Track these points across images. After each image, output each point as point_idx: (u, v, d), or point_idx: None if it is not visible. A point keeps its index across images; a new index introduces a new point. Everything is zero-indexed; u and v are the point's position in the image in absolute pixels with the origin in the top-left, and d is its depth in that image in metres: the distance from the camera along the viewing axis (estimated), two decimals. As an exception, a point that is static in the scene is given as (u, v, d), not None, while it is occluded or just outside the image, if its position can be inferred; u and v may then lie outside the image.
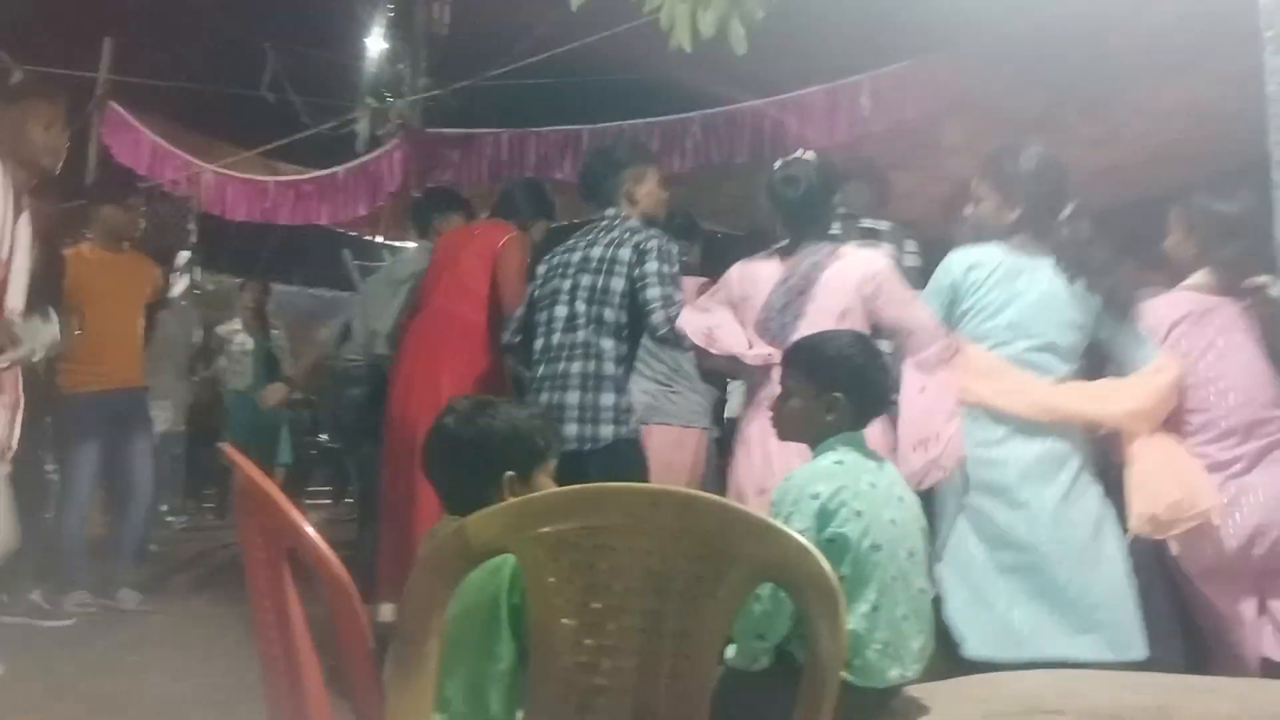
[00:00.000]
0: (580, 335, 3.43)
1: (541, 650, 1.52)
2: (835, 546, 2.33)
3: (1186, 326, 3.22)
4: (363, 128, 7.26)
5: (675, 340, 3.34)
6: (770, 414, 2.68)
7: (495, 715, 1.81)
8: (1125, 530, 3.10)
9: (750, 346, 3.25)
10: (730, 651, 2.31)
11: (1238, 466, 3.11)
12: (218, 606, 5.17)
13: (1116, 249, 3.33)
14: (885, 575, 2.38)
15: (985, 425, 3.18)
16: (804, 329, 3.06)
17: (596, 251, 3.52)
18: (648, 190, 3.70)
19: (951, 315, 3.29)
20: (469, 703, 1.80)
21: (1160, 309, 3.28)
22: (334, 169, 6.67)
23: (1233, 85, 3.80)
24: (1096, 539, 3.10)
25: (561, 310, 3.50)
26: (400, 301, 4.81)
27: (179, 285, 8.80)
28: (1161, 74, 4.10)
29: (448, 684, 1.75)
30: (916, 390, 3.14)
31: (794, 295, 3.21)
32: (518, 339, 3.75)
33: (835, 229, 3.88)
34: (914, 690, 2.40)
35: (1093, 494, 3.17)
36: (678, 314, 3.33)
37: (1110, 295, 3.21)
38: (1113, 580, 3.05)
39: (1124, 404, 3.13)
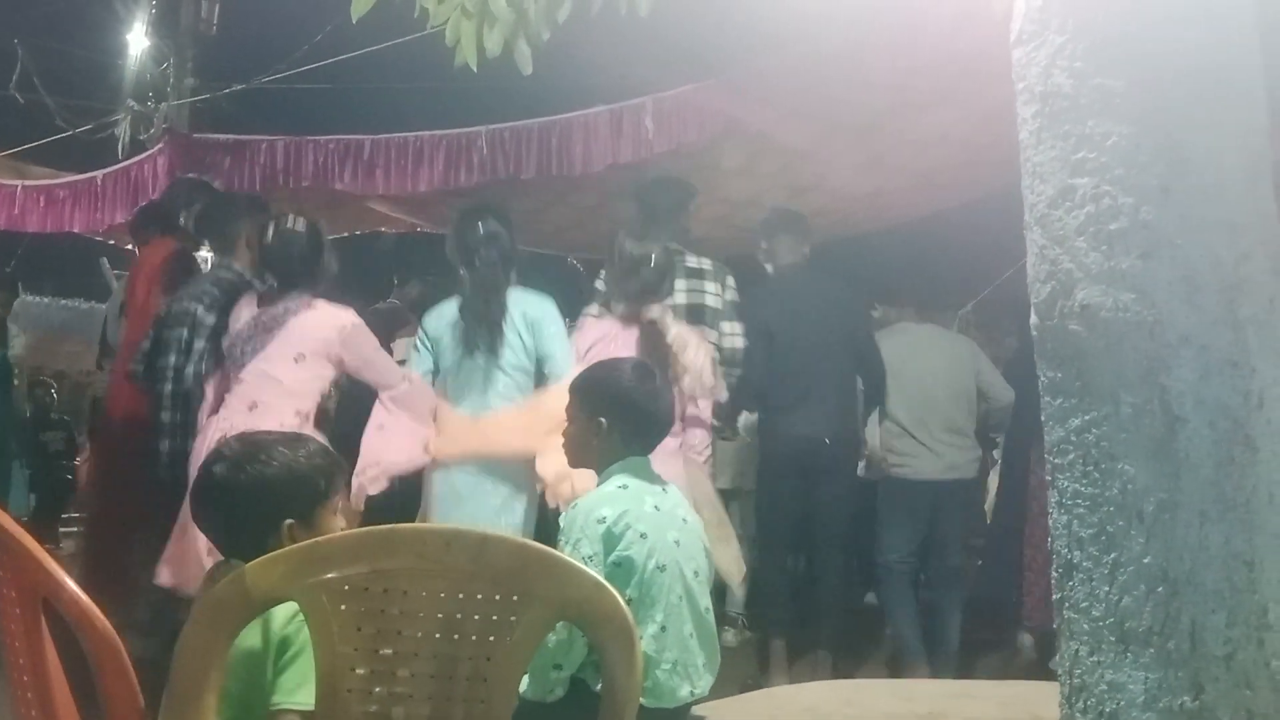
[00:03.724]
0: (168, 386, 3.83)
1: (328, 701, 1.46)
2: (622, 570, 2.37)
3: (600, 347, 3.69)
4: (123, 131, 6.79)
5: (194, 385, 3.76)
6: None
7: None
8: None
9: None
10: (524, 684, 2.30)
11: None
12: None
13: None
14: (672, 595, 2.43)
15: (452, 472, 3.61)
16: (260, 362, 3.51)
17: (187, 305, 3.90)
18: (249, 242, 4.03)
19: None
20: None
21: (585, 332, 3.84)
22: (91, 174, 6.21)
23: (985, 118, 4.09)
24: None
25: (160, 361, 3.87)
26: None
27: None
28: (920, 107, 4.35)
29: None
30: (376, 426, 3.60)
31: (260, 331, 3.57)
32: (140, 368, 4.03)
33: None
34: (702, 709, 2.45)
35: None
36: (208, 369, 3.74)
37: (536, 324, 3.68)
38: None
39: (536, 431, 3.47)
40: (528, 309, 3.70)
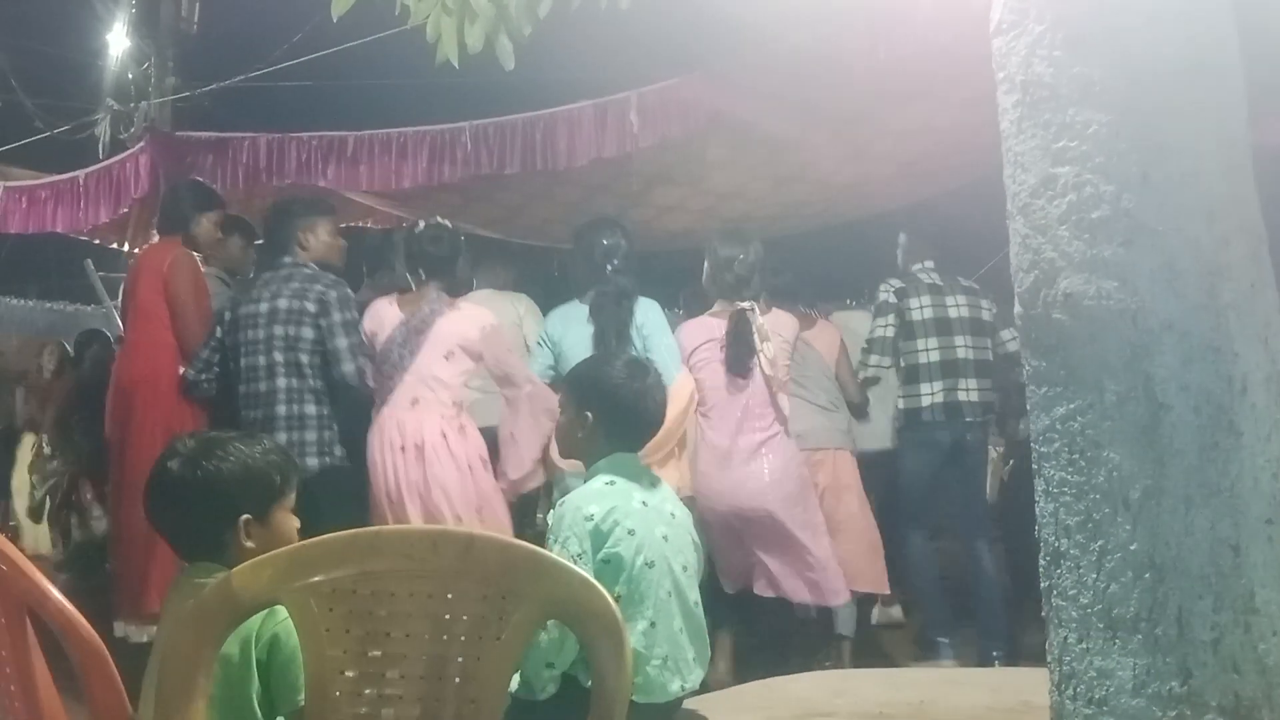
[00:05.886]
0: (280, 381, 3.83)
1: (317, 704, 1.46)
2: (610, 567, 2.37)
3: (708, 348, 4.00)
4: (104, 130, 6.73)
5: (364, 385, 3.80)
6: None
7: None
8: None
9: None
10: (516, 682, 2.30)
11: (737, 453, 3.90)
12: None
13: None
14: (660, 591, 2.43)
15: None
16: (416, 362, 3.77)
17: (283, 303, 3.91)
18: (320, 239, 4.08)
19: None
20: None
21: (689, 332, 4.09)
22: (72, 174, 6.16)
23: (966, 108, 4.10)
24: None
25: (260, 360, 3.87)
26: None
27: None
28: (902, 98, 4.35)
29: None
30: (508, 435, 3.77)
31: (413, 334, 3.82)
32: (204, 378, 4.03)
33: (937, 280, 4.69)
34: (694, 703, 2.46)
35: None
36: (366, 362, 3.82)
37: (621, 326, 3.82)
38: None
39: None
40: (637, 314, 3.86)
